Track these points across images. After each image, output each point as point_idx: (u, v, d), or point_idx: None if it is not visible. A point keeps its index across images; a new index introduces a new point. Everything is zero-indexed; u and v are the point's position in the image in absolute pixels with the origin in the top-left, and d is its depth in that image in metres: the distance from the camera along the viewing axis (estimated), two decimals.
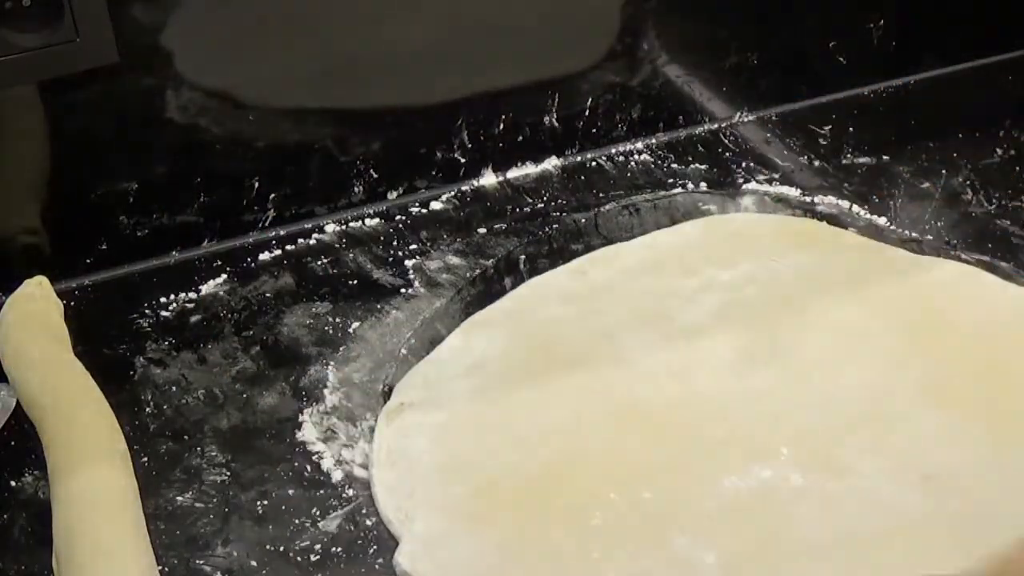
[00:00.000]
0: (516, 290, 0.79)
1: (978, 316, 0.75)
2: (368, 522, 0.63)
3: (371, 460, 0.67)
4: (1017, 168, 0.89)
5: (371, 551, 0.62)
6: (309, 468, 0.66)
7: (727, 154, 0.93)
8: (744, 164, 0.92)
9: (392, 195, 0.88)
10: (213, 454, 0.67)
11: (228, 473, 0.66)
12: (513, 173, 0.91)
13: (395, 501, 0.64)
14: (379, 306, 0.78)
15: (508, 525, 0.62)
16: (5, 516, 0.64)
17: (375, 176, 0.87)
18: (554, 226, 0.86)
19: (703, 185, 0.89)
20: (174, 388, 0.72)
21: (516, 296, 0.79)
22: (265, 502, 0.64)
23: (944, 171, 0.89)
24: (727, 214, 0.87)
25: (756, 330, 0.73)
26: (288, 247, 0.84)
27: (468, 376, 0.72)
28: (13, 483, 0.66)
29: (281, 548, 0.62)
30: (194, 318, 0.78)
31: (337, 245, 0.84)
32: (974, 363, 0.71)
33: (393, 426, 0.69)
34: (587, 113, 0.92)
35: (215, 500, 0.65)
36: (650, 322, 0.74)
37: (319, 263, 0.83)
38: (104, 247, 0.81)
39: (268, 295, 0.80)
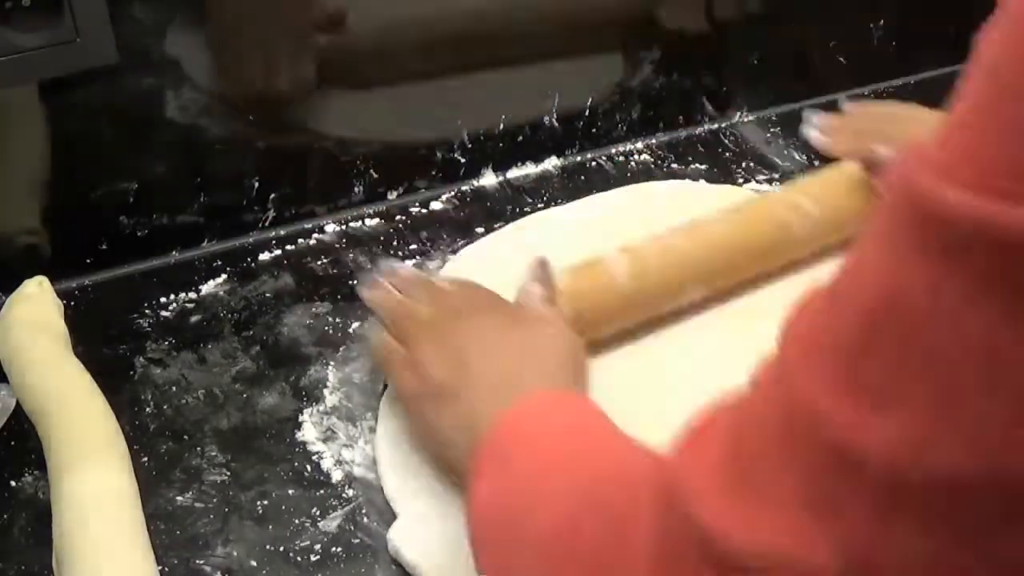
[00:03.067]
0: (451, 261, 0.81)
1: None
2: (368, 522, 0.63)
3: (376, 442, 0.67)
4: None
5: (371, 551, 0.62)
6: (309, 468, 0.67)
7: (727, 154, 0.93)
8: (744, 164, 0.92)
9: (392, 195, 0.88)
10: (213, 454, 0.67)
11: (228, 473, 0.66)
12: (513, 173, 0.91)
13: (398, 479, 0.65)
14: None
15: None
16: (5, 516, 0.64)
17: (375, 176, 0.87)
18: None
19: None
20: (174, 388, 0.72)
21: (454, 270, 0.79)
22: (265, 502, 0.64)
23: None
24: (650, 182, 0.89)
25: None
26: (288, 247, 0.84)
27: None
28: (13, 483, 0.66)
29: (281, 548, 0.62)
30: (194, 318, 0.78)
31: (337, 245, 0.84)
32: None
33: (397, 408, 0.69)
34: (587, 113, 0.92)
35: (215, 500, 0.65)
36: None
37: (319, 263, 0.82)
38: (104, 247, 0.81)
39: (268, 295, 0.80)
